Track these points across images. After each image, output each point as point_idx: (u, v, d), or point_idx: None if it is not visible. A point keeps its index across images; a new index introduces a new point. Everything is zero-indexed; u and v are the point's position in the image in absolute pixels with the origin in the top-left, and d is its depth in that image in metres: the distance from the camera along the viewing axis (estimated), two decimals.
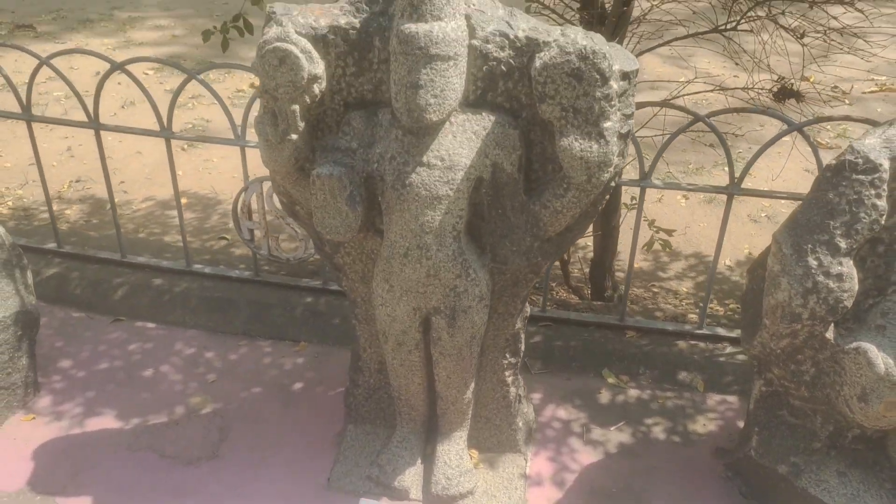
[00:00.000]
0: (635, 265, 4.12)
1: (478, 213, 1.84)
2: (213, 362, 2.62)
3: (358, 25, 1.73)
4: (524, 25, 1.72)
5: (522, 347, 2.15)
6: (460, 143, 1.75)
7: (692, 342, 2.62)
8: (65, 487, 2.12)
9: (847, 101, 5.72)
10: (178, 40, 7.13)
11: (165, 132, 2.68)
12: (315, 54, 1.71)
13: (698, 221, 4.53)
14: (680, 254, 4.29)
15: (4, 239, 2.28)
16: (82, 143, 5.43)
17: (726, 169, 2.43)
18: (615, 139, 1.68)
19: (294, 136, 1.75)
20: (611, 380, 2.54)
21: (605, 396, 2.48)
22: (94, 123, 2.71)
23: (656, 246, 2.99)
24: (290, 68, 1.67)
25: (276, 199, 2.65)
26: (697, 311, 3.00)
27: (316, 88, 1.73)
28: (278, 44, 1.67)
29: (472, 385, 2.10)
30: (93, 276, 2.91)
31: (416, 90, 1.64)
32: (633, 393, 2.50)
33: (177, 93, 2.61)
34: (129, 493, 2.11)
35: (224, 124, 5.21)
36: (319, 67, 1.72)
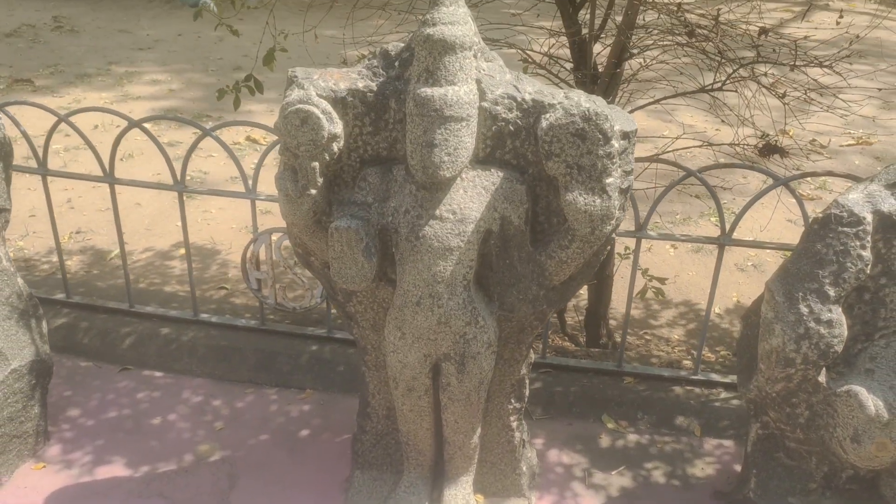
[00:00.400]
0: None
1: (486, 264, 1.94)
2: (221, 410, 2.67)
3: (375, 88, 1.85)
4: (530, 89, 1.85)
5: (527, 393, 2.22)
6: (471, 197, 1.85)
7: (688, 387, 2.70)
8: None
9: (826, 155, 5.94)
10: (174, 94, 7.28)
11: (178, 186, 2.77)
12: (335, 115, 1.82)
13: (687, 270, 4.66)
14: (670, 302, 4.40)
15: (22, 289, 2.34)
16: (81, 195, 5.51)
17: (712, 219, 2.56)
18: (616, 194, 1.79)
19: (313, 192, 1.85)
20: (610, 425, 2.61)
21: (605, 441, 2.55)
22: (109, 178, 2.80)
23: (649, 294, 3.09)
24: (311, 128, 1.78)
25: (283, 250, 2.74)
26: (690, 357, 3.10)
27: (335, 147, 1.84)
28: (301, 105, 1.78)
29: (479, 430, 2.16)
30: (101, 326, 2.97)
31: (430, 149, 1.75)
32: (633, 437, 2.57)
33: (191, 149, 2.71)
34: None
35: (221, 175, 5.33)
36: (338, 127, 1.83)
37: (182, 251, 4.69)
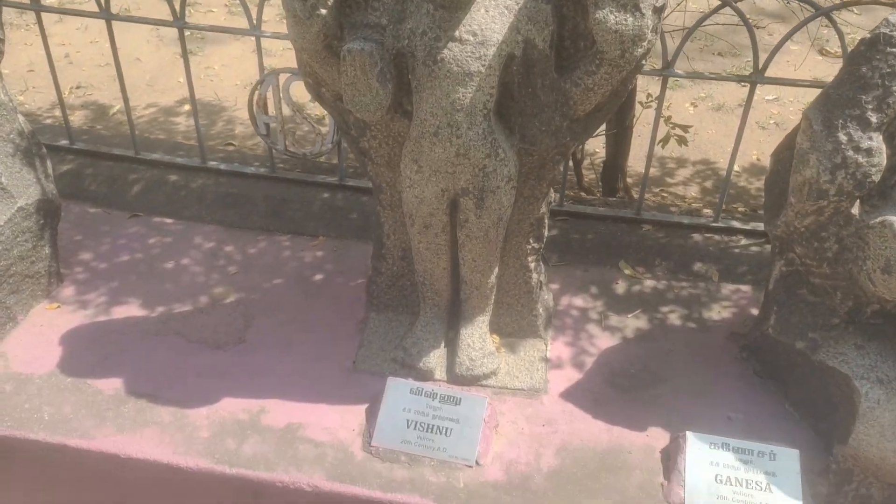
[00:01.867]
0: (641, 170, 4.13)
1: (507, 93, 1.83)
2: (233, 256, 2.64)
3: None
4: None
5: (546, 233, 2.17)
6: (492, 17, 1.72)
7: (707, 235, 2.65)
8: (94, 370, 2.16)
9: None
10: None
11: (178, 22, 2.62)
12: None
13: (706, 128, 4.53)
14: (687, 160, 4.30)
15: (24, 126, 2.26)
16: (80, 49, 5.32)
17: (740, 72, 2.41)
18: (650, 12, 1.66)
19: (323, 11, 1.72)
20: (627, 271, 2.58)
21: (621, 287, 2.53)
22: (105, 13, 2.64)
23: (672, 142, 2.98)
24: None
25: (292, 91, 2.62)
26: (712, 208, 3.03)
27: None
28: None
29: (496, 270, 2.13)
30: (107, 173, 2.90)
31: None
32: (649, 283, 2.54)
33: None
34: (159, 374, 2.16)
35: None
36: None
37: (187, 107, 4.57)
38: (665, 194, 3.86)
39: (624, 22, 1.64)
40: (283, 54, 5.18)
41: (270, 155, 2.86)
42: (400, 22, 1.76)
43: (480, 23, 1.72)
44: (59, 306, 2.38)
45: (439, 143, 1.83)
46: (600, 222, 2.71)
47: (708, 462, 1.89)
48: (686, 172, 4.16)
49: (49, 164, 2.36)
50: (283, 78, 2.62)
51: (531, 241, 2.15)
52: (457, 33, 1.72)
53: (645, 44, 1.71)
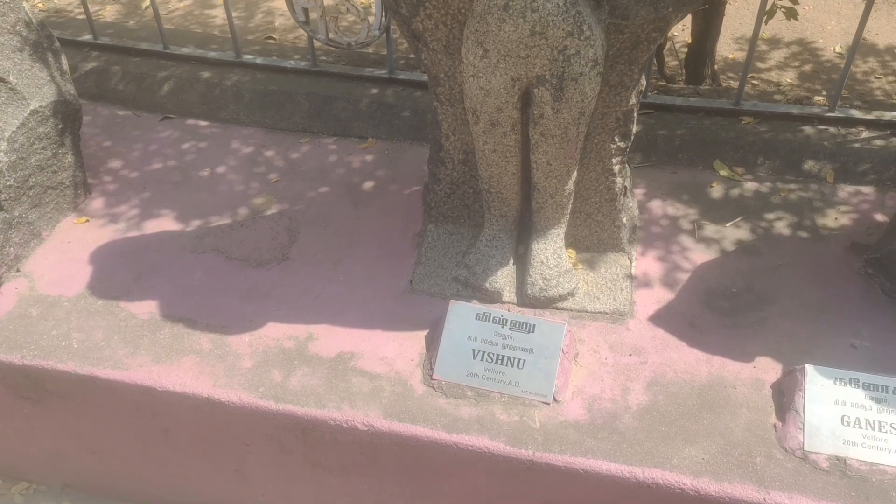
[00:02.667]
0: (729, 55, 3.65)
1: None
2: (274, 161, 2.37)
3: None
4: None
5: (634, 129, 1.83)
6: None
7: (820, 127, 2.25)
8: (128, 291, 1.96)
9: None
10: None
11: None
12: None
13: (804, 2, 3.97)
14: (780, 40, 3.79)
15: (30, 17, 1.98)
16: None
17: None
18: None
19: None
20: (724, 172, 2.22)
21: (717, 190, 2.18)
22: None
23: (778, 15, 2.53)
24: None
25: None
26: (824, 95, 2.60)
27: None
28: None
29: (575, 174, 1.81)
30: (135, 71, 2.62)
31: None
32: (751, 186, 2.18)
33: None
34: (197, 295, 1.94)
35: None
36: None
37: None
38: (756, 81, 3.41)
39: None
40: None
41: (311, 46, 2.53)
42: None
43: None
44: (87, 220, 2.17)
45: (510, 19, 1.48)
46: (691, 115, 2.33)
47: (832, 400, 1.60)
48: (780, 55, 3.67)
49: (64, 59, 2.09)
50: None
51: (616, 139, 1.81)
52: None
53: None
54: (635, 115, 1.80)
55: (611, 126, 1.78)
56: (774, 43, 3.75)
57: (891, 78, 3.42)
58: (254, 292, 1.95)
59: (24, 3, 1.98)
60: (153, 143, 2.44)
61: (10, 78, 1.90)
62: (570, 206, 1.89)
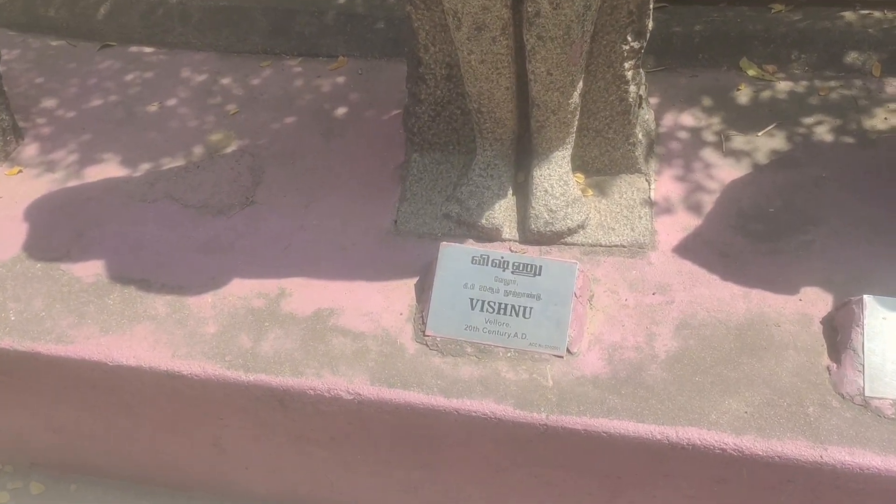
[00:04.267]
0: None
1: None
2: (232, 90, 2.06)
3: None
4: None
5: (650, 26, 1.52)
6: None
7: (863, 12, 1.93)
8: (69, 251, 1.70)
9: None
10: None
11: None
12: None
13: None
14: None
15: None
16: None
17: None
18: None
19: None
20: (752, 72, 1.91)
21: (745, 94, 1.88)
22: None
23: None
24: None
25: None
26: None
27: None
28: None
29: (581, 84, 1.51)
30: None
31: None
32: (784, 86, 1.88)
33: None
34: (149, 250, 1.68)
35: None
36: None
37: None
38: None
39: None
40: None
41: None
42: None
43: None
44: (20, 171, 1.89)
45: None
46: (710, 7, 2.00)
47: None
48: None
49: None
50: None
51: (629, 38, 1.51)
52: None
53: None
54: (651, 7, 1.49)
55: (622, 22, 1.47)
56: None
57: None
58: (215, 244, 1.68)
59: None
60: (92, 77, 2.13)
61: None
62: (576, 122, 1.60)
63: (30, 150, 1.94)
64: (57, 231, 1.74)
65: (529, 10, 1.34)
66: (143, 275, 1.64)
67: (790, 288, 1.49)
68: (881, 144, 1.72)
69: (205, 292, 1.60)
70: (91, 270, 1.66)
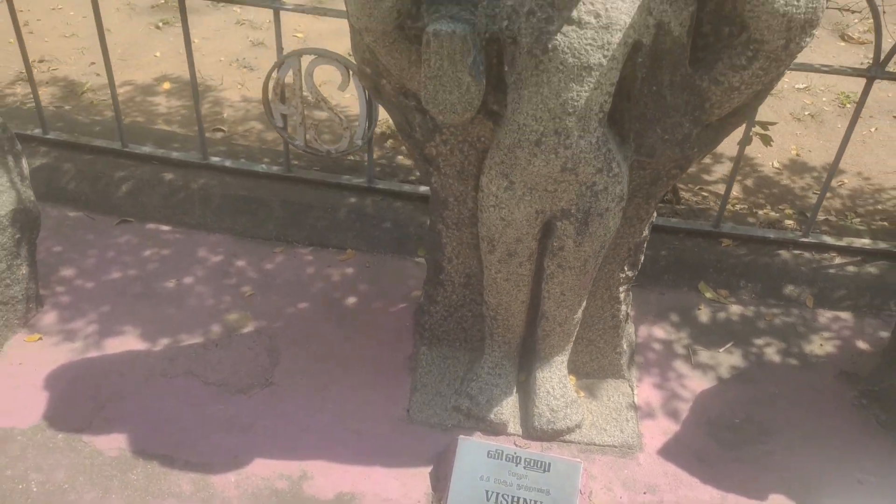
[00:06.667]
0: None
1: (621, 91, 1.46)
2: (247, 272, 2.23)
3: None
4: None
5: (642, 259, 1.82)
6: None
7: (795, 252, 2.33)
8: (90, 422, 1.75)
9: None
10: None
11: None
12: None
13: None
14: (722, 155, 3.98)
15: None
16: (40, 17, 4.76)
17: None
18: None
19: None
20: (709, 294, 2.24)
21: (704, 313, 2.19)
22: None
23: (754, 141, 2.63)
24: None
25: (314, 78, 2.20)
26: (799, 217, 2.69)
27: None
28: None
29: (584, 303, 1.77)
30: (89, 169, 2.44)
31: None
32: (736, 309, 2.21)
33: None
34: (171, 426, 1.75)
35: None
36: None
37: (166, 85, 4.08)
38: (705, 193, 3.53)
39: (795, 4, 1.28)
40: (270, 28, 4.69)
41: (286, 152, 2.44)
42: None
43: (605, 1, 1.34)
44: (40, 338, 1.95)
45: (541, 154, 1.45)
46: (672, 235, 2.36)
47: None
48: (723, 169, 3.84)
49: (25, 163, 1.91)
50: (305, 61, 2.20)
51: (626, 268, 1.79)
52: (575, 14, 1.34)
53: (814, 31, 1.35)
54: (645, 246, 1.79)
55: (622, 256, 1.76)
56: (717, 157, 3.93)
57: (828, 194, 3.62)
58: (236, 423, 1.78)
59: None
60: (110, 250, 2.25)
61: None
62: (576, 333, 1.84)
63: (49, 317, 2.01)
64: (78, 401, 1.79)
65: (555, 244, 1.61)
66: (166, 451, 1.70)
67: (759, 494, 1.71)
68: (819, 368, 2.03)
69: (228, 471, 1.68)
70: (113, 444, 1.71)
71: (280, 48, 2.23)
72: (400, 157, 2.86)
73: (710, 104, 1.45)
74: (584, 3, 1.33)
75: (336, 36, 4.53)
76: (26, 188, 1.90)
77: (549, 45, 1.35)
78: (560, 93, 1.38)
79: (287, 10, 2.18)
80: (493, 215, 1.58)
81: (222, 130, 3.76)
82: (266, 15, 4.66)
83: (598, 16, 1.34)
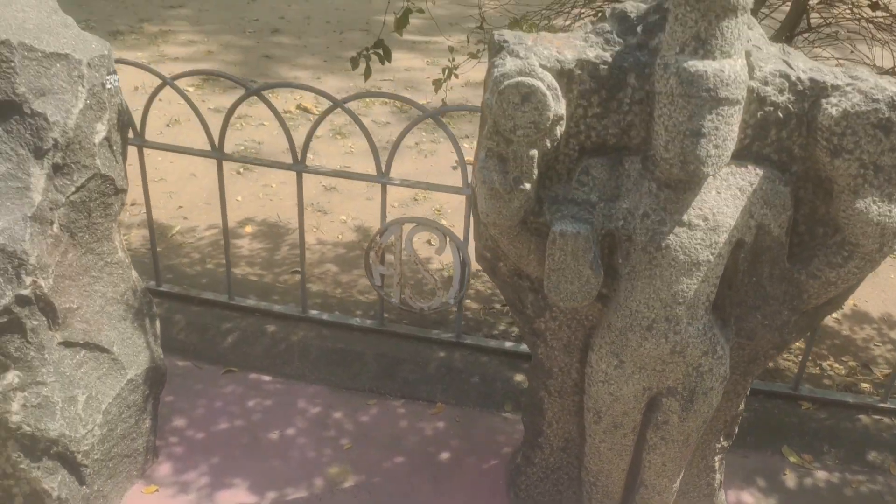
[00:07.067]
0: None
1: (724, 281, 1.60)
2: (344, 424, 2.33)
3: (610, 60, 1.49)
4: (803, 66, 1.49)
5: (737, 430, 1.89)
6: (725, 200, 1.50)
7: (875, 416, 2.38)
8: None
9: None
10: (213, 56, 6.87)
11: (298, 166, 2.41)
12: (560, 91, 1.46)
13: None
14: None
15: (137, 284, 2.00)
16: (131, 162, 5.13)
17: None
18: None
19: (527, 186, 1.50)
20: (793, 459, 2.28)
21: (790, 479, 2.23)
22: (217, 153, 2.43)
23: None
24: (534, 107, 1.42)
25: (413, 243, 2.39)
26: (879, 381, 2.75)
27: (558, 131, 1.48)
28: (522, 79, 1.42)
29: (683, 472, 1.84)
30: (198, 321, 2.62)
31: (697, 139, 1.40)
32: (821, 475, 2.24)
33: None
34: None
35: (276, 147, 4.93)
36: (563, 107, 1.47)
37: (248, 228, 4.34)
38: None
39: (888, 214, 1.43)
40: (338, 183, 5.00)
41: (381, 308, 2.60)
42: (614, 200, 1.54)
43: (712, 206, 1.50)
44: (156, 490, 2.05)
45: (652, 338, 1.57)
46: (752, 397, 2.43)
47: None
48: None
49: (158, 324, 2.09)
50: (406, 228, 2.39)
51: (722, 439, 1.87)
52: (685, 217, 1.50)
53: None
54: (740, 418, 1.87)
55: (718, 428, 1.85)
56: None
57: (889, 346, 3.67)
58: None
59: (133, 272, 2.00)
60: (217, 399, 2.38)
61: (114, 348, 1.88)
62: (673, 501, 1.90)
63: (164, 468, 2.12)
64: None
65: (660, 418, 1.70)
66: None
67: None
68: None
69: None
70: None
71: (384, 216, 2.44)
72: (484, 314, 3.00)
73: (808, 295, 1.58)
74: (693, 208, 1.50)
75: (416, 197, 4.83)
76: (157, 347, 2.06)
77: (663, 244, 1.50)
78: (671, 285, 1.53)
79: (394, 184, 2.40)
80: (602, 390, 1.69)
81: (299, 272, 3.97)
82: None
83: (706, 219, 1.50)
